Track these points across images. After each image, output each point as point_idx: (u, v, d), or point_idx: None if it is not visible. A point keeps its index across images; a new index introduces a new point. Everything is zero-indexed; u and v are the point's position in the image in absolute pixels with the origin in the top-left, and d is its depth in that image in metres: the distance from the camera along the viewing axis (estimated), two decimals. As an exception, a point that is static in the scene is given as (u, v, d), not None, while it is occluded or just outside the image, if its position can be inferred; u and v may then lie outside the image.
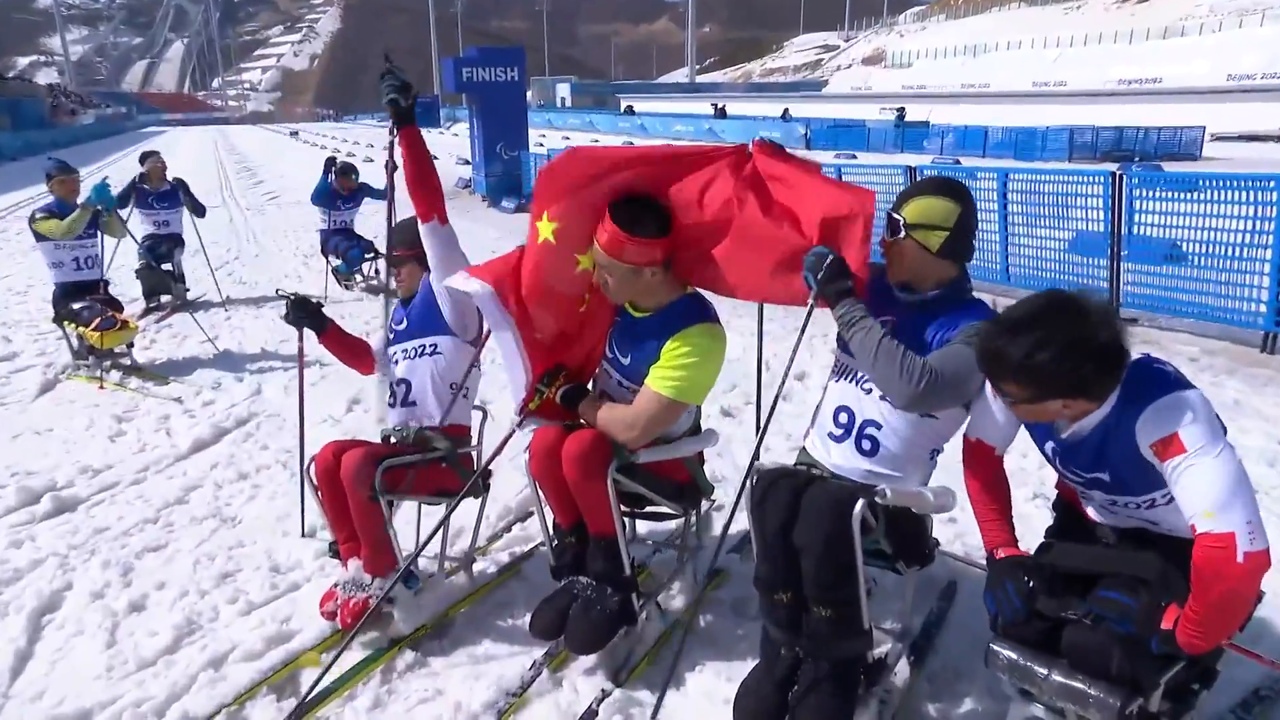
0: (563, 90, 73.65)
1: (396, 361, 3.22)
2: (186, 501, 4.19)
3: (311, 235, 13.13)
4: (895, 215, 2.40)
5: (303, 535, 3.78)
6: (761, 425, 2.45)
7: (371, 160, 29.74)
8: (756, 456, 2.48)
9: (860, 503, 2.31)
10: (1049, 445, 2.20)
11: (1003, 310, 2.07)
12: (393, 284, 3.33)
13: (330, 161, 9.17)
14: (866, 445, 2.47)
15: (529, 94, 37.67)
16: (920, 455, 2.47)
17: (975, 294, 2.44)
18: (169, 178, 8.39)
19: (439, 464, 3.08)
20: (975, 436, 2.34)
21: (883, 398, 2.42)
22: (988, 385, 2.24)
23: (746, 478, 2.48)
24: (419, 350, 3.16)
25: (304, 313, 3.33)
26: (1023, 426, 2.29)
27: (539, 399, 2.77)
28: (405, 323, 3.20)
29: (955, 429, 2.48)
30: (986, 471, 2.33)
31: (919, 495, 2.45)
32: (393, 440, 3.18)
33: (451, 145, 36.72)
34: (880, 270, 2.47)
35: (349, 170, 9.11)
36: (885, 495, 2.35)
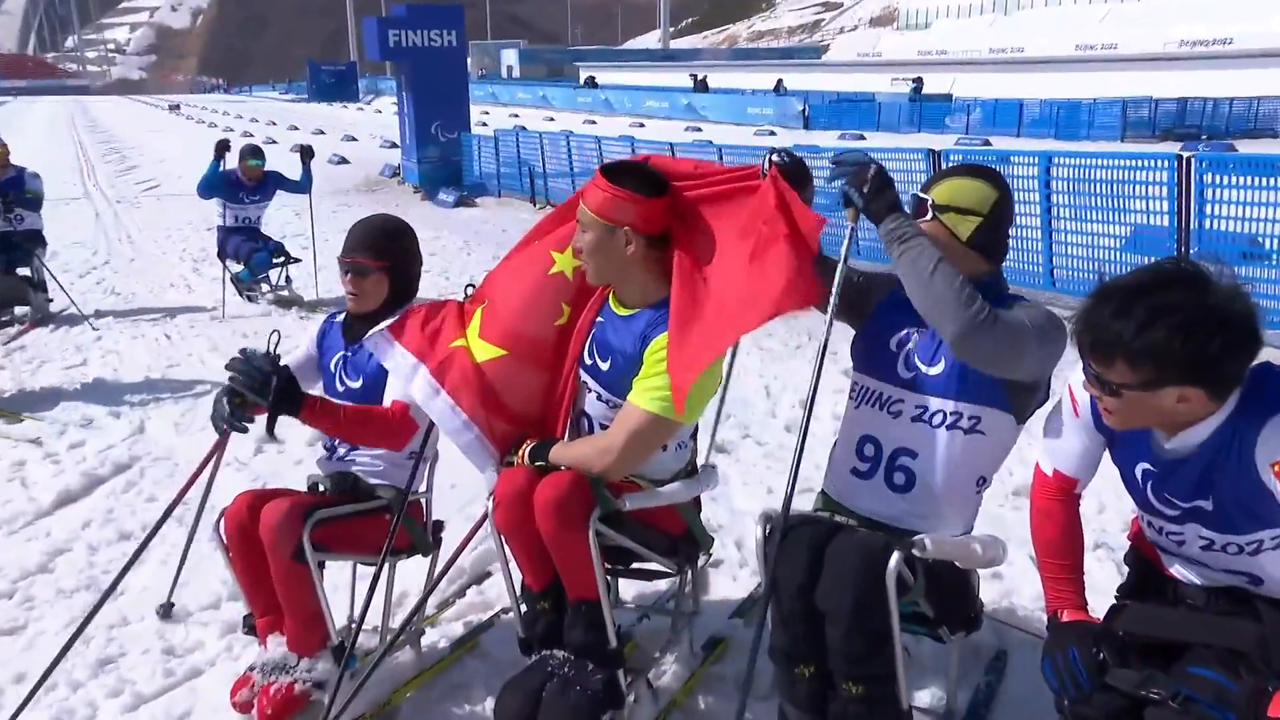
0: (509, 57, 74.08)
1: None
2: (51, 570, 4.15)
3: (202, 234, 13.14)
4: (922, 195, 2.53)
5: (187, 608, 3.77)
6: (794, 464, 2.50)
7: (274, 142, 29.75)
8: (788, 508, 2.52)
9: (896, 556, 2.37)
10: (1140, 467, 2.17)
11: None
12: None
13: (223, 145, 9.07)
14: (899, 479, 2.54)
15: (469, 62, 37.77)
16: (964, 486, 2.54)
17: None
18: (12, 162, 8.35)
19: (381, 515, 3.10)
20: (1053, 467, 2.33)
21: (918, 388, 2.50)
22: (1065, 402, 2.28)
23: (766, 532, 2.52)
24: None
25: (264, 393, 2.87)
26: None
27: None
28: (360, 380, 3.14)
29: (1004, 452, 2.56)
30: (1064, 513, 2.32)
31: (965, 546, 2.52)
32: (322, 489, 3.20)
33: (375, 125, 36.83)
34: (893, 278, 2.56)
35: (254, 153, 9.02)
36: (925, 546, 2.42)
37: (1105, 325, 1.94)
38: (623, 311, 2.83)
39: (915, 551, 2.42)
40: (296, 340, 3.43)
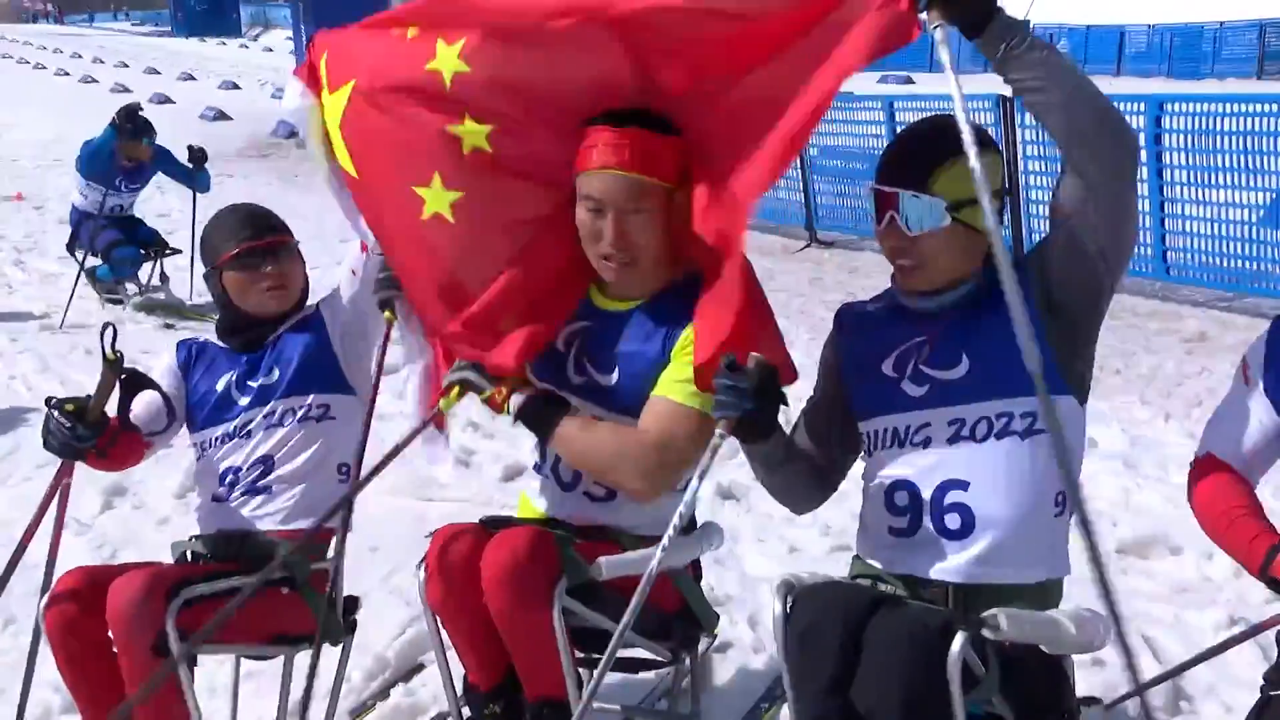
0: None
1: (244, 432, 3.28)
2: None
3: (27, 215, 13.15)
4: (927, 197, 2.51)
5: None
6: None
7: (127, 90, 29.69)
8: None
9: (960, 639, 2.37)
10: None
11: None
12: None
13: (129, 115, 8.99)
14: (954, 522, 2.55)
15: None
16: (1040, 509, 2.55)
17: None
18: None
19: (276, 590, 3.10)
20: (1208, 450, 2.60)
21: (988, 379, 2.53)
22: (1237, 375, 2.57)
23: (788, 606, 2.53)
24: (300, 414, 3.25)
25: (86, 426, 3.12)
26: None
27: (483, 394, 2.87)
28: (274, 373, 3.28)
29: (1078, 449, 2.60)
30: (1234, 481, 2.54)
31: (1052, 624, 2.52)
32: (192, 556, 3.22)
33: (264, 68, 36.90)
34: (883, 297, 2.69)
35: (143, 129, 9.00)
36: (999, 625, 2.42)
37: None
38: (618, 306, 2.88)
39: (986, 632, 2.42)
40: (156, 354, 3.46)
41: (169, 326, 8.46)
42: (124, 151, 8.93)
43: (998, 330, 2.41)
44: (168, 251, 9.28)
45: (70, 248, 9.22)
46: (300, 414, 3.27)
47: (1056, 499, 2.57)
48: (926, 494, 2.57)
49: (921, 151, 2.56)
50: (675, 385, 2.75)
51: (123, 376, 3.10)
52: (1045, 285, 2.52)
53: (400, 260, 3.07)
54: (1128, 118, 8.17)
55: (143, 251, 9.18)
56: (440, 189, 2.88)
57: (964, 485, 2.54)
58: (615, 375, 2.87)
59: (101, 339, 3.08)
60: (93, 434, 3.06)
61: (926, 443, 2.57)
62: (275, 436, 3.27)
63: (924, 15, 2.30)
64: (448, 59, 2.78)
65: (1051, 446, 2.39)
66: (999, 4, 2.35)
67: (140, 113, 9.14)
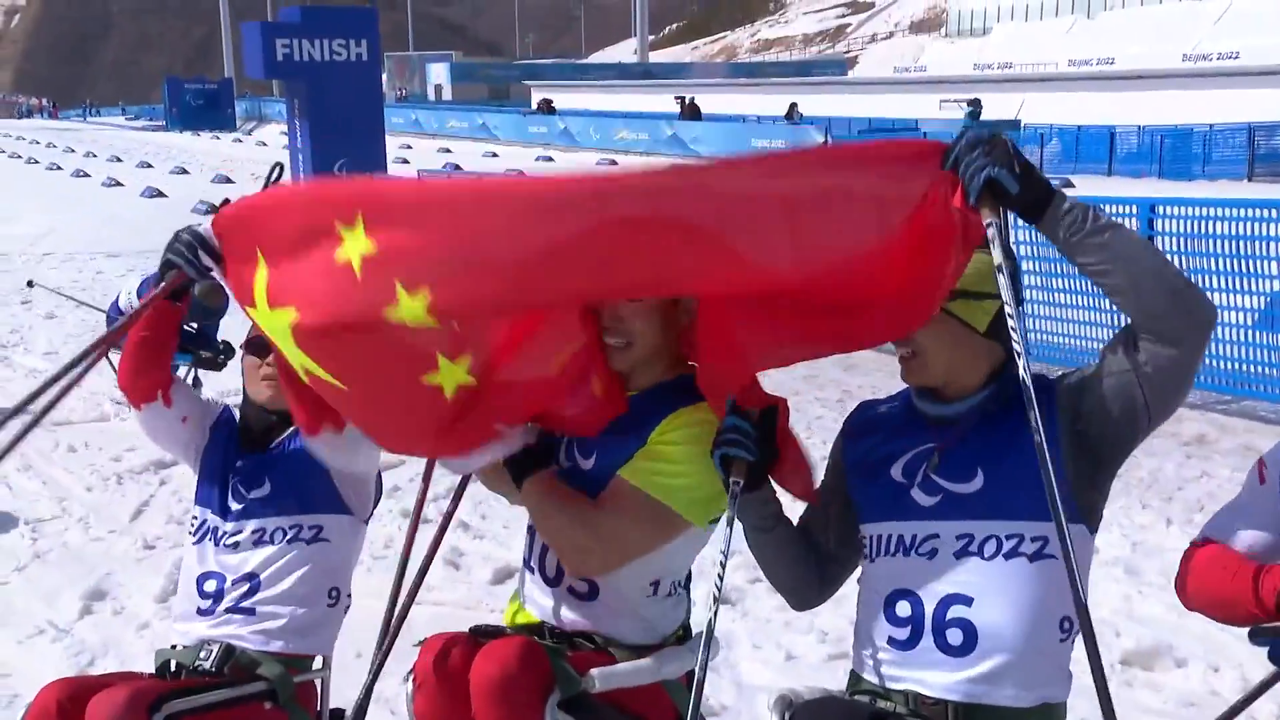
0: (438, 74, 75.40)
1: (233, 542, 3.25)
2: None
3: (11, 307, 13.13)
4: None
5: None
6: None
7: (119, 184, 29.94)
8: None
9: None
10: None
11: None
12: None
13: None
14: (955, 638, 2.52)
15: (385, 80, 38.09)
16: (1045, 632, 2.52)
17: None
18: None
19: (259, 703, 3.08)
20: (1204, 536, 2.68)
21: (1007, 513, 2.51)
22: (1251, 475, 2.64)
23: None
24: (290, 534, 3.23)
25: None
26: None
27: None
28: (268, 487, 3.25)
29: (1086, 561, 2.55)
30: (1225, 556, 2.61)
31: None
32: (176, 668, 3.17)
33: (258, 161, 36.98)
34: (897, 398, 2.70)
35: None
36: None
37: None
38: None
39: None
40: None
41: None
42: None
43: (1015, 449, 2.45)
44: (216, 360, 9.15)
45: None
46: (291, 534, 3.25)
47: (1062, 624, 2.54)
48: (929, 606, 2.54)
49: None
50: (639, 468, 2.77)
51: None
52: (1075, 417, 2.52)
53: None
54: (1121, 219, 8.22)
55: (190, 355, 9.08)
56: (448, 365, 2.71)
57: (968, 601, 2.51)
58: (592, 461, 2.88)
59: (270, 175, 3.21)
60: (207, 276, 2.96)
61: (932, 554, 2.55)
62: (263, 554, 3.24)
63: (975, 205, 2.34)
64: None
65: (1060, 572, 2.39)
66: (1056, 187, 2.38)
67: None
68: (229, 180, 30.93)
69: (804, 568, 2.78)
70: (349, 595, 3.36)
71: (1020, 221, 2.43)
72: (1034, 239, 8.78)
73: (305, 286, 2.65)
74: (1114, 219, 2.43)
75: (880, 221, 2.42)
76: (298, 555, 3.24)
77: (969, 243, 2.41)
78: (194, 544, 3.37)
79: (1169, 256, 8.55)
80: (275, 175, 3.20)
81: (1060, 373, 2.64)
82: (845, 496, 2.75)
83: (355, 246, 2.54)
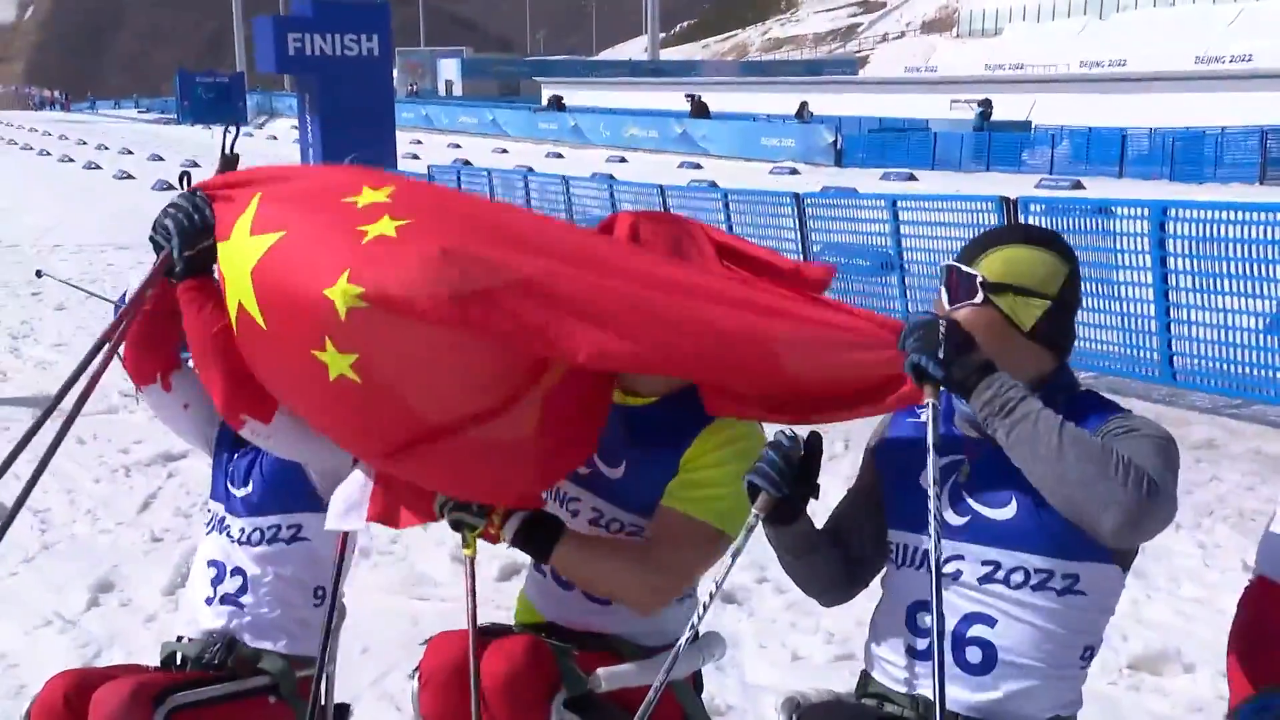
0: (449, 69, 75.38)
1: (230, 536, 3.25)
2: None
3: (22, 299, 13.15)
4: (966, 269, 2.54)
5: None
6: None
7: (130, 177, 30.00)
8: None
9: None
10: None
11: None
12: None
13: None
14: (974, 657, 2.50)
15: (396, 75, 38.06)
16: (1066, 660, 2.51)
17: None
18: None
19: (262, 697, 3.08)
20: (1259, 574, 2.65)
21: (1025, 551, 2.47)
22: None
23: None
24: (269, 534, 3.22)
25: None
26: None
27: (476, 530, 2.77)
28: (250, 487, 3.24)
29: (1111, 610, 2.55)
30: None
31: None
32: (181, 661, 3.18)
33: (270, 155, 37.07)
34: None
35: None
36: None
37: None
38: (628, 401, 2.88)
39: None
40: None
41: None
42: None
43: None
44: None
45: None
46: (270, 534, 3.22)
47: (1084, 653, 2.54)
48: (951, 622, 2.50)
49: (985, 237, 2.64)
50: (688, 498, 2.76)
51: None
52: None
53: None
54: (1132, 223, 8.13)
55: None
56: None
57: (990, 622, 2.48)
58: (621, 471, 2.87)
59: (224, 136, 3.12)
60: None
61: (957, 575, 2.50)
62: (250, 553, 3.23)
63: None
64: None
65: (1088, 606, 2.46)
66: (986, 371, 2.37)
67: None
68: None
69: (835, 577, 2.74)
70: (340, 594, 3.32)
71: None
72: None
73: (303, 216, 2.65)
74: (1034, 414, 2.34)
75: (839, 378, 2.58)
76: (279, 555, 3.21)
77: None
78: (205, 534, 3.38)
79: (1179, 260, 8.62)
80: (234, 138, 3.13)
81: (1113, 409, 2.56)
82: (878, 496, 2.72)
83: (376, 202, 2.58)
